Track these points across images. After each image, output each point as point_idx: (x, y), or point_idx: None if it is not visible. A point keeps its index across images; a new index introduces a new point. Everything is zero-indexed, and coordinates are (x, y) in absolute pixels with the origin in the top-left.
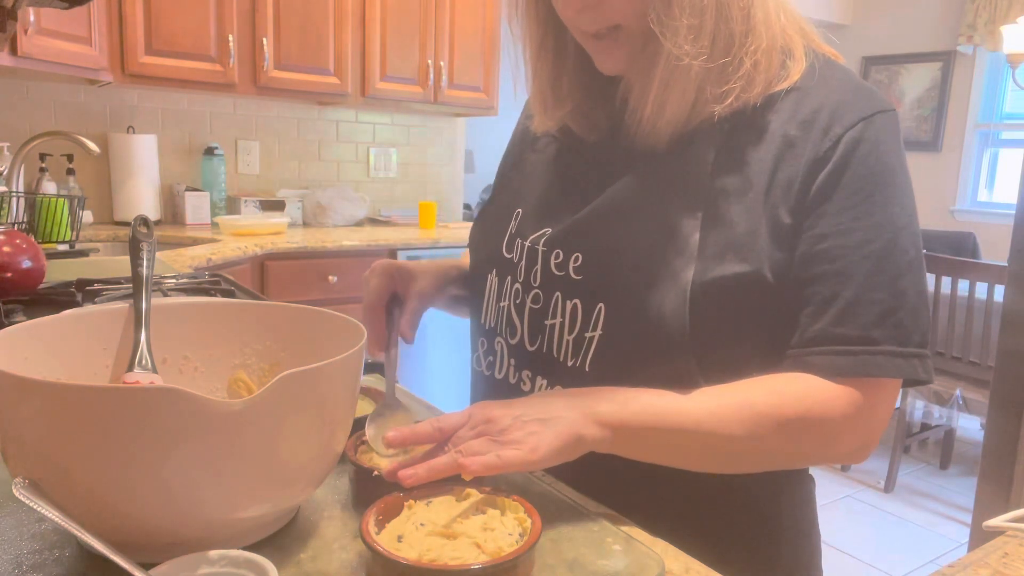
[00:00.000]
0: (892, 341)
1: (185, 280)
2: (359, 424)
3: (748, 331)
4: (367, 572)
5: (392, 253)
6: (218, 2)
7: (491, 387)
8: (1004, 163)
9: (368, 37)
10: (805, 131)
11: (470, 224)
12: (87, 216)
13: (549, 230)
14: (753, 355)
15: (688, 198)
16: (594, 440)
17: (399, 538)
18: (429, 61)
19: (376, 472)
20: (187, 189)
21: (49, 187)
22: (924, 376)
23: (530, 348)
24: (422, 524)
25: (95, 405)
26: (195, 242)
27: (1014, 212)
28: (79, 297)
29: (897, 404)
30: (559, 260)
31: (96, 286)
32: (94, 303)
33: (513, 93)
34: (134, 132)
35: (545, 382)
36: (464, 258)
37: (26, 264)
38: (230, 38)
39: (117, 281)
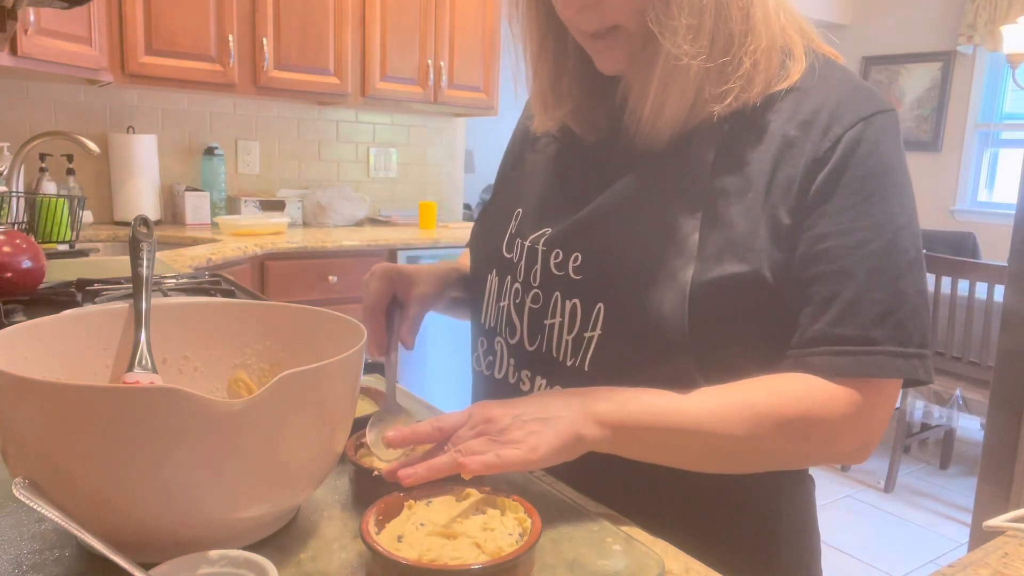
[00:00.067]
0: (892, 341)
1: (185, 280)
2: (359, 424)
3: (747, 331)
4: (367, 572)
5: (392, 253)
6: (218, 2)
7: (491, 387)
8: (1004, 163)
9: (368, 37)
10: (805, 131)
11: (470, 224)
12: (87, 216)
13: (549, 230)
14: (752, 355)
15: (687, 198)
16: (593, 440)
17: (399, 538)
18: (429, 61)
19: (376, 472)
20: (187, 189)
21: (49, 187)
22: (924, 376)
23: (529, 348)
24: (422, 524)
25: (95, 405)
26: (195, 242)
27: (1014, 212)
28: (79, 297)
29: (897, 404)
30: (559, 260)
31: (96, 286)
32: (94, 303)
33: (514, 93)
34: (134, 132)
35: (544, 382)
36: (463, 260)
37: (26, 264)
38: (230, 38)
39: (117, 281)
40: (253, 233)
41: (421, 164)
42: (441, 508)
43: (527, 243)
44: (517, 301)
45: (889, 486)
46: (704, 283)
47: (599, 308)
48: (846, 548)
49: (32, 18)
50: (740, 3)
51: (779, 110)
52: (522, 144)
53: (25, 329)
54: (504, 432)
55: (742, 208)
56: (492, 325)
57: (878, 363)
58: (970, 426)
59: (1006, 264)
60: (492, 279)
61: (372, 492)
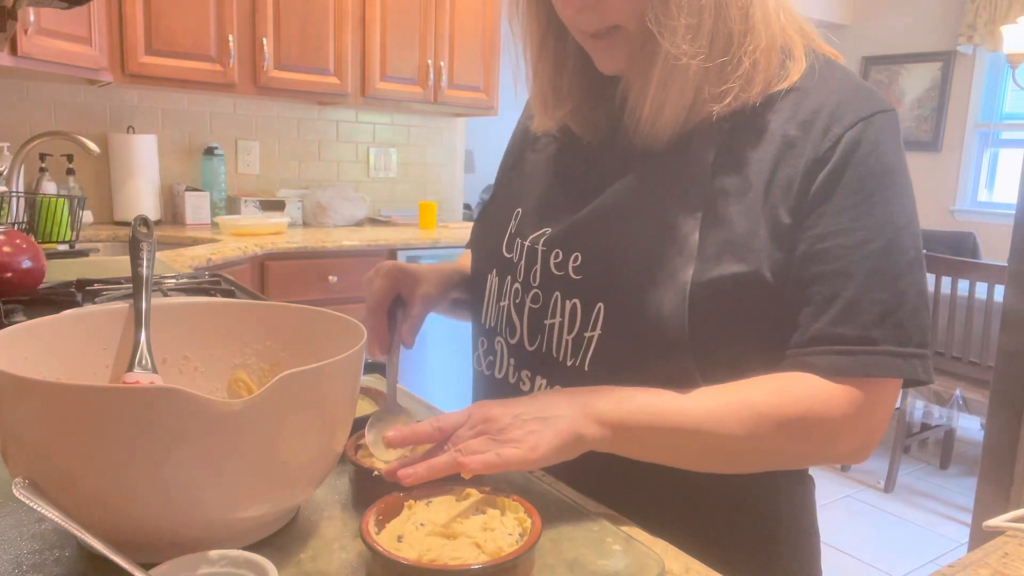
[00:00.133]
0: (892, 341)
1: (185, 280)
2: (359, 424)
3: (747, 331)
4: (367, 572)
5: (392, 253)
6: (218, 2)
7: (491, 387)
8: (1004, 163)
9: (368, 37)
10: (805, 131)
11: (470, 224)
12: (87, 216)
13: (549, 230)
14: (752, 355)
15: (687, 198)
16: (593, 439)
17: (399, 538)
18: (429, 61)
19: (376, 472)
20: (187, 189)
21: (49, 187)
22: (924, 376)
23: (529, 348)
24: (422, 524)
25: (95, 405)
26: (195, 242)
27: (1014, 212)
28: (79, 297)
29: (897, 404)
30: (558, 260)
31: (96, 286)
32: (94, 303)
33: (514, 93)
34: (134, 132)
35: (544, 382)
36: (463, 260)
37: (26, 264)
38: (230, 38)
39: (117, 281)
40: (253, 233)
41: (421, 164)
42: (441, 508)
43: (527, 243)
44: (517, 301)
45: (889, 486)
46: (704, 283)
47: (599, 308)
48: (846, 548)
49: (32, 18)
50: (739, 3)
51: (779, 110)
52: (522, 144)
53: (25, 329)
54: (504, 431)
55: (742, 208)
56: (492, 325)
57: (877, 363)
58: (970, 426)
59: (1006, 264)
60: (492, 279)
61: (372, 492)
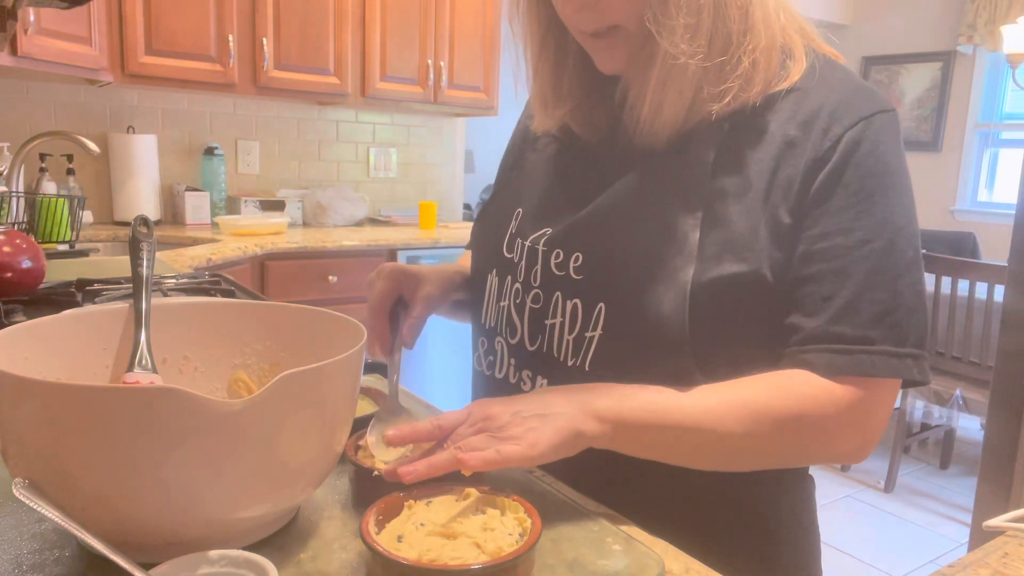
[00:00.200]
0: (889, 341)
1: (185, 280)
2: (359, 424)
3: (748, 331)
4: (367, 572)
5: (392, 253)
6: (218, 2)
7: (491, 387)
8: (1004, 163)
9: (368, 37)
10: (805, 131)
11: (470, 224)
12: (87, 216)
13: (549, 230)
14: (753, 354)
15: (688, 198)
16: (592, 436)
17: (399, 538)
18: (429, 61)
19: (376, 472)
20: (187, 189)
21: (49, 187)
22: (920, 377)
23: (530, 348)
24: (422, 524)
25: (95, 405)
26: (195, 242)
27: (1014, 212)
28: (79, 297)
29: (897, 404)
30: (559, 260)
31: (96, 286)
32: (94, 303)
33: (514, 93)
34: (134, 132)
35: (545, 381)
36: (463, 261)
37: (26, 264)
38: (230, 38)
39: (117, 281)
40: (253, 233)
41: (421, 164)
42: (441, 508)
43: (527, 243)
44: (517, 301)
45: (889, 486)
46: (704, 283)
47: (600, 308)
48: (846, 548)
49: (32, 18)
50: (739, 3)
51: (779, 110)
52: (522, 144)
53: (25, 329)
54: (504, 428)
55: (742, 208)
56: (492, 325)
57: (874, 362)
58: (970, 426)
59: (1006, 264)
60: (492, 279)
61: (372, 492)
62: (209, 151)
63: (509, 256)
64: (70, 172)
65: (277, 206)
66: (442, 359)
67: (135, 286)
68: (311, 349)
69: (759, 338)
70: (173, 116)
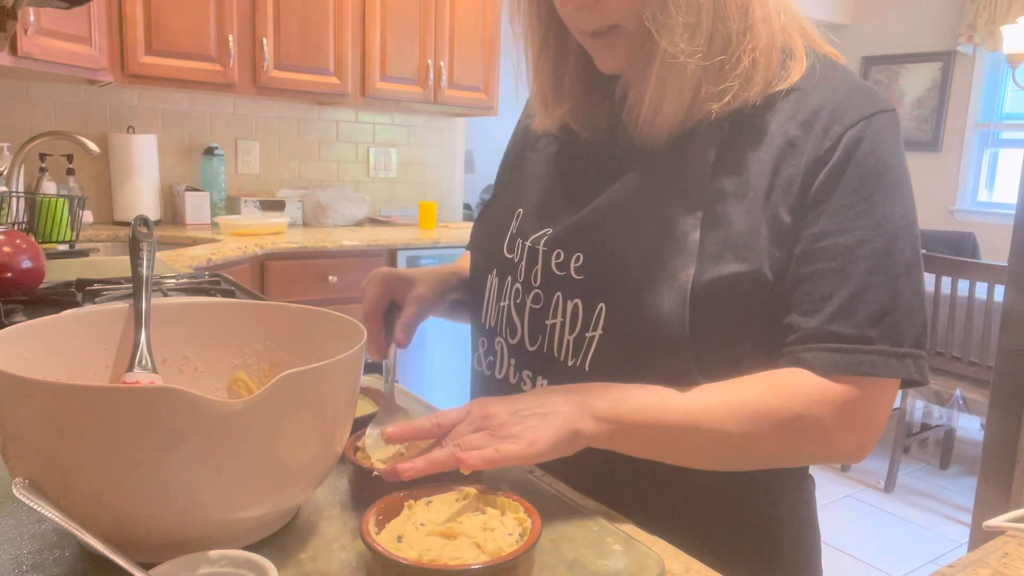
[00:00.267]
0: (887, 341)
1: (185, 280)
2: (359, 424)
3: (748, 330)
4: (367, 572)
5: (392, 253)
6: (218, 2)
7: (491, 387)
8: (1004, 163)
9: (368, 37)
10: (806, 131)
11: (470, 224)
12: (87, 216)
13: (550, 230)
14: (753, 354)
15: (688, 198)
16: (590, 435)
17: (399, 538)
18: (429, 61)
19: (376, 472)
20: (187, 189)
21: (49, 187)
22: (918, 377)
23: (530, 348)
24: (422, 524)
25: (95, 405)
26: (195, 242)
27: (1014, 212)
28: (79, 297)
29: (897, 404)
30: (560, 260)
31: (96, 286)
32: (94, 303)
33: (515, 93)
34: (134, 132)
35: (545, 382)
36: (462, 263)
37: (26, 264)
38: (230, 38)
39: (117, 281)
40: (253, 233)
41: (421, 164)
42: (441, 508)
43: (528, 243)
44: (518, 301)
45: (889, 486)
46: (705, 282)
47: (600, 308)
48: (846, 548)
49: (32, 18)
50: (738, 2)
51: (780, 110)
52: (522, 144)
53: (25, 329)
54: (503, 427)
55: (743, 208)
56: (492, 325)
57: (872, 362)
58: (970, 426)
59: (1006, 264)
60: (492, 279)
61: (372, 492)
62: (209, 151)
63: (509, 256)
64: (70, 172)
65: (277, 206)
66: (442, 359)
67: (135, 286)
68: (311, 349)
69: (759, 338)
70: (173, 116)
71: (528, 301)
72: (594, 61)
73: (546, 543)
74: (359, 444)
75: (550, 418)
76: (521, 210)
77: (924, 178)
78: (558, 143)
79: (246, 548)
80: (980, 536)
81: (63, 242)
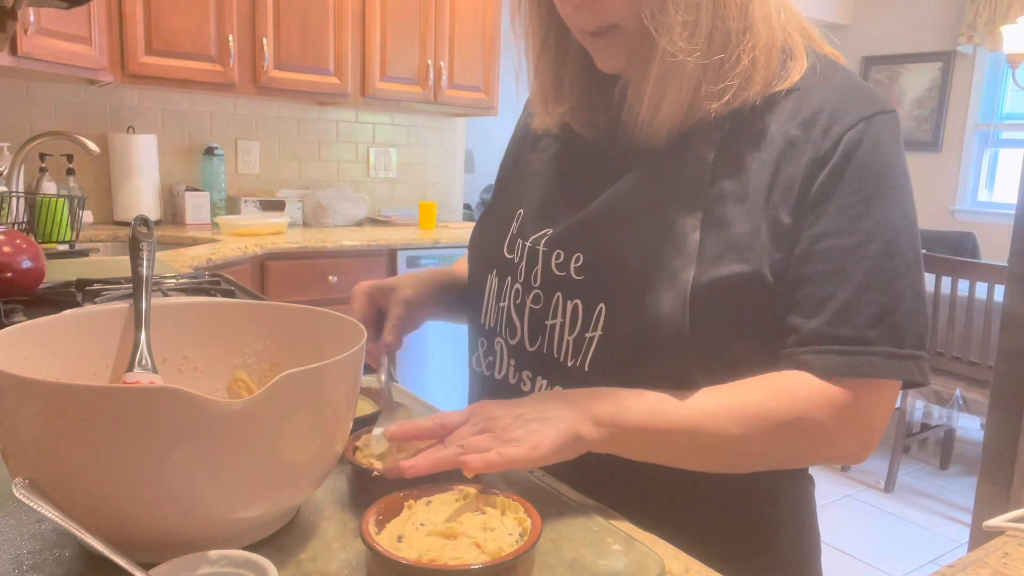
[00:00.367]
0: (888, 342)
1: (185, 280)
2: (359, 424)
3: (748, 331)
4: (367, 572)
5: (392, 253)
6: (218, 2)
7: (491, 387)
8: (1004, 163)
9: (368, 37)
10: (806, 131)
11: (470, 224)
12: (87, 216)
13: (550, 230)
14: (753, 355)
15: (688, 198)
16: (591, 440)
17: (399, 538)
18: (429, 61)
19: (376, 472)
20: (187, 189)
21: (49, 187)
22: (919, 378)
23: (530, 348)
24: (422, 524)
25: (95, 405)
26: (195, 242)
27: (1014, 212)
28: (79, 297)
29: (897, 404)
30: (560, 260)
31: (96, 286)
32: (94, 303)
33: (515, 93)
34: (134, 132)
35: (545, 382)
36: (458, 265)
37: (26, 264)
38: (230, 38)
39: (117, 281)
40: (253, 233)
41: (421, 164)
42: (441, 508)
43: (528, 244)
44: (517, 302)
45: (889, 486)
46: (705, 283)
47: (600, 308)
48: (846, 548)
49: (32, 18)
50: (738, 0)
51: (780, 110)
52: (522, 144)
53: (25, 329)
54: (506, 430)
55: (743, 208)
56: (492, 325)
57: (873, 363)
58: (970, 426)
59: (1006, 264)
60: (492, 279)
61: (372, 492)
62: (209, 151)
63: (509, 257)
64: (70, 172)
65: (277, 206)
66: (441, 359)
67: (135, 286)
68: (311, 349)
69: (759, 338)
70: (173, 116)
71: (528, 301)
72: (594, 60)
73: (546, 543)
74: (359, 444)
75: (552, 422)
76: (521, 211)
77: (924, 178)
78: (558, 143)
79: (246, 548)
80: (980, 536)
81: (63, 242)
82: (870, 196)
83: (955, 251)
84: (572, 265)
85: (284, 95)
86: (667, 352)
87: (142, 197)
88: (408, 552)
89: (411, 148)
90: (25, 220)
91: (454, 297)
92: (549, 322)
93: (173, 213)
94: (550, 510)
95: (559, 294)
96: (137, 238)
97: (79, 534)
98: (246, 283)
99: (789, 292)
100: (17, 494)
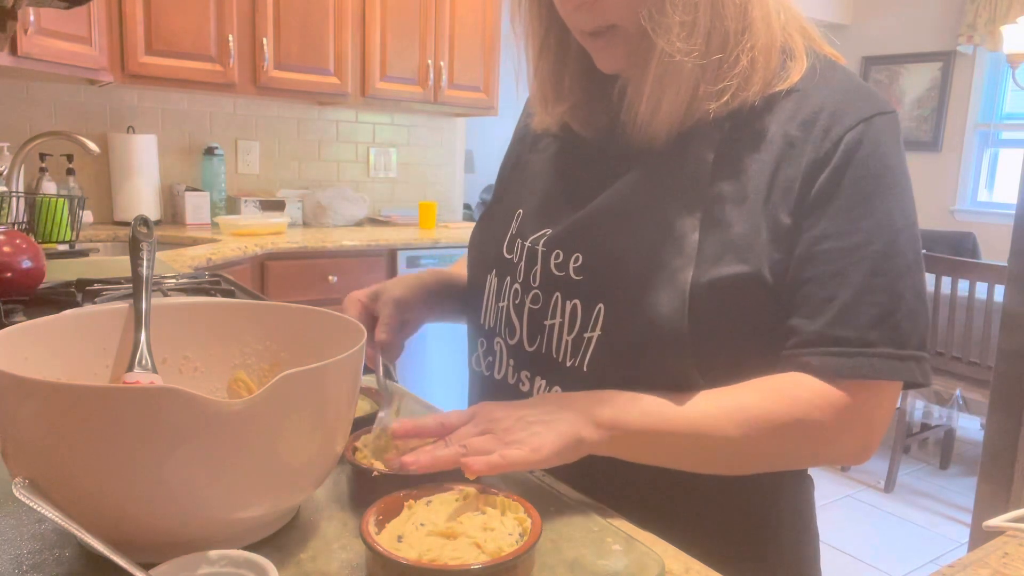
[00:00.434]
0: (889, 343)
1: (185, 280)
2: (359, 424)
3: (747, 332)
4: (367, 572)
5: (392, 253)
6: (218, 2)
7: (490, 387)
8: (1004, 163)
9: (368, 37)
10: (806, 132)
11: (470, 224)
12: (87, 216)
13: (549, 230)
14: (752, 355)
15: (687, 198)
16: (592, 443)
17: (399, 538)
18: (429, 61)
19: (376, 472)
20: (187, 189)
21: (49, 187)
22: (921, 379)
23: (529, 348)
24: (422, 524)
25: (95, 405)
26: (195, 242)
27: (1014, 212)
28: (79, 297)
29: (897, 404)
30: (559, 260)
31: (96, 286)
32: (94, 303)
33: (515, 93)
34: (134, 132)
35: (544, 382)
36: (456, 267)
37: (26, 264)
38: (230, 38)
39: (117, 281)
40: (253, 233)
41: (421, 164)
42: (441, 508)
43: (527, 244)
44: (516, 302)
45: (889, 486)
46: (704, 284)
47: (599, 308)
48: (846, 548)
49: (32, 18)
50: (736, 0)
51: (780, 111)
52: (522, 144)
53: (25, 329)
54: (508, 432)
55: (743, 209)
56: (492, 326)
57: (874, 365)
58: (970, 426)
59: (1006, 264)
60: (491, 280)
61: (371, 492)
62: (209, 151)
63: (509, 257)
64: (70, 172)
65: (277, 206)
66: (441, 359)
67: (135, 286)
68: (311, 349)
69: (758, 339)
70: (173, 116)
71: (527, 301)
72: (594, 61)
73: (546, 543)
74: (359, 444)
75: (554, 425)
76: (521, 211)
77: (924, 178)
78: (558, 143)
79: (246, 548)
80: (980, 536)
81: (63, 242)
82: (870, 197)
83: (955, 251)
84: (571, 265)
85: (284, 95)
86: (666, 352)
87: (142, 197)
88: (408, 552)
89: (411, 148)
90: (25, 220)
91: (452, 297)
92: (548, 322)
93: (173, 213)
94: (550, 510)
95: (558, 294)
96: (137, 238)
97: (79, 534)
98: (246, 283)
99: (789, 293)
100: (17, 494)
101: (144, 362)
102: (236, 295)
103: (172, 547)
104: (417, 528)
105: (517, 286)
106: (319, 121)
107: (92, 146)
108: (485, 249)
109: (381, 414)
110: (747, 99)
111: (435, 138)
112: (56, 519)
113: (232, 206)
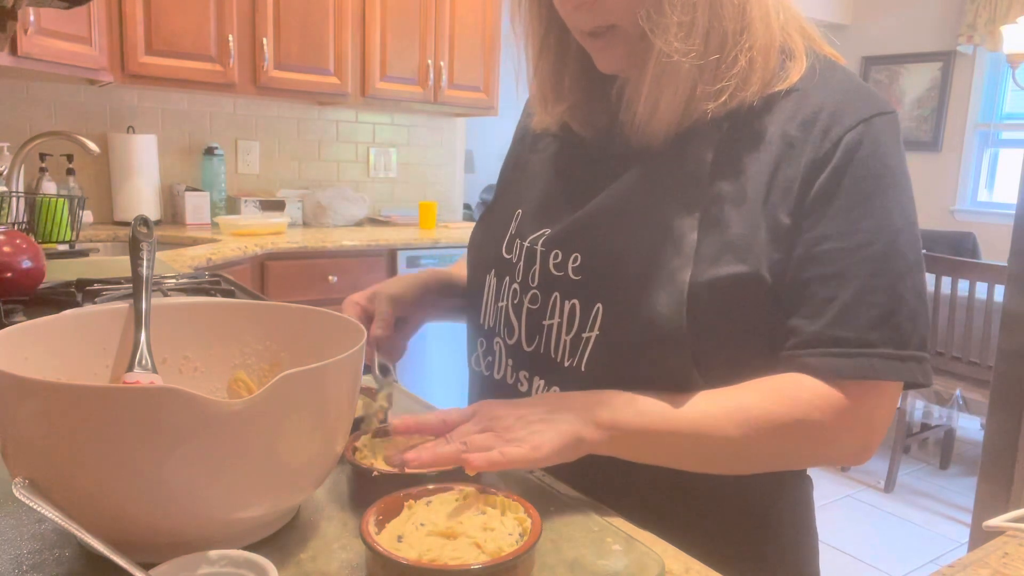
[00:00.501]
0: (890, 344)
1: (185, 280)
2: (359, 424)
3: (746, 332)
4: (367, 572)
5: (392, 253)
6: (218, 2)
7: (489, 387)
8: (1004, 163)
9: (368, 37)
10: (805, 132)
11: (470, 224)
12: (87, 216)
13: (548, 230)
14: (751, 356)
15: (686, 198)
16: (592, 442)
17: (399, 538)
18: (429, 61)
19: (375, 472)
20: (187, 189)
21: (49, 187)
22: (922, 380)
23: (527, 348)
24: (422, 524)
25: (95, 405)
26: (195, 242)
27: (1014, 212)
28: (79, 297)
29: (897, 405)
30: (558, 260)
31: (96, 286)
32: (94, 303)
33: (515, 93)
34: (134, 132)
35: (542, 382)
36: (455, 268)
37: (26, 264)
38: (230, 38)
39: (117, 281)
40: (253, 233)
41: (421, 164)
42: (441, 508)
43: (526, 244)
44: (515, 302)
45: (889, 486)
46: (702, 283)
47: (597, 308)
48: (846, 548)
49: (32, 18)
50: (735, 0)
51: (779, 111)
52: (522, 144)
53: (25, 329)
54: (508, 430)
55: (742, 209)
56: (491, 325)
57: (875, 365)
58: (970, 426)
59: (1006, 264)
60: (491, 279)
61: (371, 492)
62: (209, 151)
63: (508, 257)
64: (70, 172)
65: (277, 206)
66: (441, 359)
67: (135, 286)
68: (311, 349)
69: (757, 339)
70: (173, 116)
71: (526, 301)
72: (593, 61)
73: (546, 543)
74: (359, 444)
75: (555, 424)
76: (520, 211)
77: (924, 178)
78: (558, 143)
79: (246, 548)
80: (980, 536)
81: (63, 242)
82: (870, 198)
83: (955, 251)
84: (570, 265)
85: (284, 95)
86: (664, 352)
87: (142, 197)
88: (408, 552)
89: (411, 148)
90: (25, 220)
91: (450, 296)
92: (546, 322)
93: (173, 213)
94: (550, 510)
95: (557, 294)
96: (137, 238)
97: (79, 534)
98: (246, 283)
99: (789, 294)
100: (17, 494)
101: (144, 362)
102: (236, 295)
103: (172, 547)
104: (417, 528)
105: (516, 286)
106: (319, 121)
107: (92, 146)
108: (484, 249)
109: (380, 400)
110: (745, 99)
111: (435, 138)
112: (56, 519)
113: (232, 206)
